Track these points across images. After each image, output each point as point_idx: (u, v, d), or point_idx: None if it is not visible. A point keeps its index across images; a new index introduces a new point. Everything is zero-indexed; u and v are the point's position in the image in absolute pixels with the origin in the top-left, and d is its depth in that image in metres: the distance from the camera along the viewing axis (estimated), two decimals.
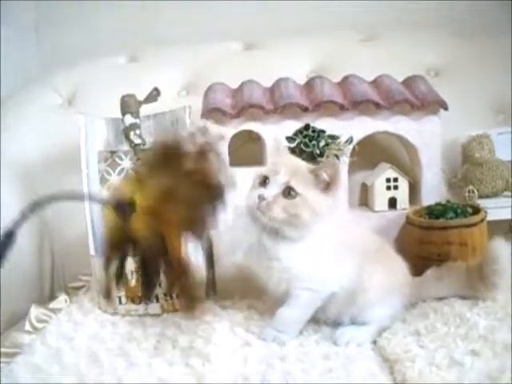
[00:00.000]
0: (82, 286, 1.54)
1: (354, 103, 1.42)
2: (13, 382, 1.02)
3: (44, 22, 2.15)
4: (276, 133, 1.40)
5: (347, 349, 1.09)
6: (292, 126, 1.42)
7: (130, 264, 1.28)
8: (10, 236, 0.84)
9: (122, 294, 1.31)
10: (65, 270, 1.72)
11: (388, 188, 1.50)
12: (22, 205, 1.62)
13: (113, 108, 1.42)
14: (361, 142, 1.45)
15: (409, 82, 1.52)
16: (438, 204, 1.40)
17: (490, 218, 1.37)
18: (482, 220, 1.34)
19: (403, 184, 1.49)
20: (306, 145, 1.39)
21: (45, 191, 1.68)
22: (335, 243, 1.13)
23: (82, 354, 1.11)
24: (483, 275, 1.17)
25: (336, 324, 1.17)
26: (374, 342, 1.13)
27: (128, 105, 1.42)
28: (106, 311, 1.34)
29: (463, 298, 1.20)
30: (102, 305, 1.34)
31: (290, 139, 1.40)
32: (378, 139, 1.57)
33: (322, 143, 1.40)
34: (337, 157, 1.42)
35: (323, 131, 1.41)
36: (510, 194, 1.53)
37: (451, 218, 1.34)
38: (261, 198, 1.08)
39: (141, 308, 1.31)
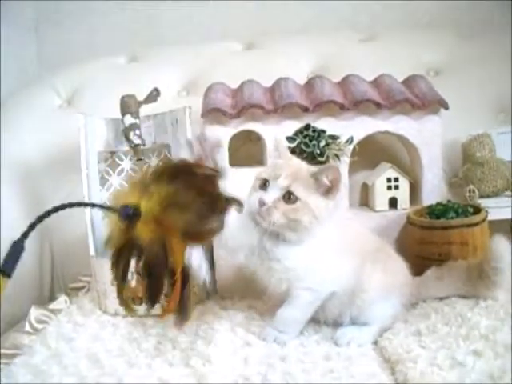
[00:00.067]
0: (82, 287, 1.54)
1: (355, 103, 1.42)
2: (12, 383, 1.02)
3: (44, 22, 2.15)
4: (276, 133, 1.40)
5: (348, 349, 1.09)
6: (292, 125, 1.42)
7: (131, 265, 1.28)
8: (18, 248, 0.84)
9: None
10: (65, 271, 1.72)
11: (389, 188, 1.49)
12: (22, 205, 1.64)
13: (113, 108, 1.42)
14: (361, 142, 1.45)
15: (409, 82, 1.52)
16: (438, 204, 1.40)
17: (490, 217, 1.37)
18: (483, 220, 1.33)
19: (404, 184, 1.49)
20: (307, 145, 1.39)
21: (45, 191, 1.70)
22: (335, 244, 1.12)
23: (82, 355, 1.11)
24: (483, 273, 1.17)
25: (337, 324, 1.17)
26: (376, 343, 1.13)
27: (128, 105, 1.42)
28: (106, 312, 1.33)
29: (464, 297, 1.20)
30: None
31: (290, 139, 1.40)
32: (378, 139, 1.57)
33: (323, 143, 1.40)
34: (337, 157, 1.41)
35: (323, 131, 1.41)
36: (510, 193, 1.53)
37: (452, 218, 1.33)
38: (261, 202, 1.08)
39: (141, 309, 1.30)
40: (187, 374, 1.00)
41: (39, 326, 1.30)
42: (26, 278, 1.57)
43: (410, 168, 1.56)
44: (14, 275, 1.48)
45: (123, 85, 1.58)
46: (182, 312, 1.00)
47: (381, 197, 1.50)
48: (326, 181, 1.08)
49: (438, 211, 1.36)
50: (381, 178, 1.50)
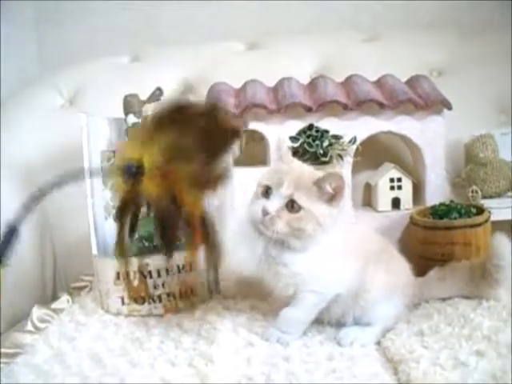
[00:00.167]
0: (85, 287, 1.54)
1: (358, 103, 1.42)
2: (14, 383, 1.02)
3: (44, 21, 2.15)
4: (279, 133, 1.40)
5: (351, 349, 1.09)
6: (295, 125, 1.42)
7: (133, 264, 1.29)
8: (13, 231, 0.83)
9: (125, 294, 1.31)
10: (67, 270, 1.72)
11: (391, 188, 1.49)
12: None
13: (115, 108, 1.42)
14: (364, 142, 1.45)
15: (412, 82, 1.52)
16: (441, 204, 1.40)
17: (493, 218, 1.37)
18: (486, 220, 1.33)
19: (407, 184, 1.49)
20: (310, 145, 1.39)
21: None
22: (340, 247, 1.12)
23: (84, 355, 1.10)
24: (486, 272, 1.17)
25: (340, 324, 1.17)
26: (378, 343, 1.12)
27: (131, 104, 1.42)
28: (108, 311, 1.33)
29: (467, 298, 1.20)
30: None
31: (293, 139, 1.40)
32: (381, 139, 1.57)
33: (326, 143, 1.40)
34: (340, 157, 1.41)
35: (327, 131, 1.41)
36: None
37: (455, 219, 1.33)
38: (264, 211, 1.06)
39: (144, 308, 1.30)
40: (190, 374, 1.00)
41: (41, 326, 1.30)
42: (28, 277, 1.57)
43: (412, 168, 1.56)
44: (15, 275, 1.49)
45: (126, 84, 1.58)
46: (214, 256, 0.99)
47: (384, 197, 1.50)
48: (329, 188, 1.06)
49: (441, 211, 1.36)
50: (384, 178, 1.50)
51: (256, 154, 1.50)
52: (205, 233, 0.94)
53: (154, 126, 0.91)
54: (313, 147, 1.39)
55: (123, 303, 1.32)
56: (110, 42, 2.08)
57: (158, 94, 1.46)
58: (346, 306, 1.14)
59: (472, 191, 1.49)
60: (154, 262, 1.30)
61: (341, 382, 0.96)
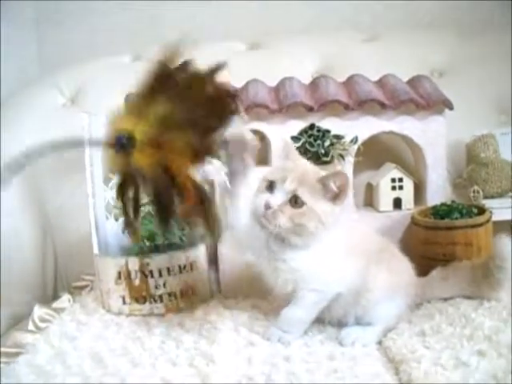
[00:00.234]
0: (86, 286, 1.54)
1: (359, 103, 1.42)
2: (15, 382, 1.02)
3: (44, 21, 2.15)
4: (281, 132, 1.40)
5: (353, 349, 1.09)
6: (297, 125, 1.42)
7: (134, 263, 1.29)
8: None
9: (126, 293, 1.31)
10: (68, 270, 1.72)
11: (393, 188, 1.49)
12: (24, 205, 1.64)
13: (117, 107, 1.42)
14: (366, 142, 1.45)
15: (414, 82, 1.51)
16: (443, 204, 1.39)
17: (495, 218, 1.37)
18: (488, 220, 1.33)
19: (408, 184, 1.49)
20: (311, 144, 1.39)
21: (47, 191, 1.71)
22: (341, 246, 1.11)
23: (85, 354, 1.10)
24: (488, 273, 1.17)
25: (341, 324, 1.17)
26: (380, 343, 1.12)
27: None
28: (109, 311, 1.33)
29: (468, 298, 1.20)
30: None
31: (294, 139, 1.40)
32: (383, 139, 1.57)
33: (327, 143, 1.40)
34: (342, 157, 1.41)
35: (328, 131, 1.41)
36: None
37: (456, 219, 1.33)
38: (267, 205, 1.06)
39: (145, 308, 1.30)
40: (191, 374, 1.00)
41: (42, 325, 1.30)
42: (29, 276, 1.57)
43: (414, 168, 1.56)
44: (16, 274, 1.49)
45: (128, 83, 1.58)
46: (212, 230, 0.98)
47: (385, 197, 1.50)
48: (333, 187, 1.06)
49: (442, 212, 1.36)
50: (385, 178, 1.50)
51: (257, 153, 1.50)
52: (199, 203, 0.92)
53: (145, 97, 0.89)
54: (314, 147, 1.39)
55: (124, 303, 1.32)
56: (111, 42, 2.07)
57: None
58: (347, 305, 1.14)
59: (473, 191, 1.49)
60: (155, 261, 1.30)
61: (342, 382, 0.95)
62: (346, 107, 1.42)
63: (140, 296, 1.31)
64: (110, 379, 1.00)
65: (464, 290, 1.21)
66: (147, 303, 1.31)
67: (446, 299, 1.21)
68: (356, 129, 1.43)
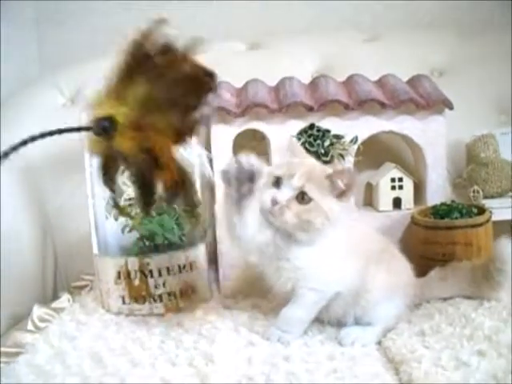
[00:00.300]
0: (85, 286, 1.54)
1: (359, 102, 1.42)
2: (15, 382, 1.02)
3: (45, 21, 2.14)
4: (281, 132, 1.40)
5: (352, 349, 1.09)
6: (297, 125, 1.41)
7: (133, 263, 1.29)
8: None
9: (126, 293, 1.31)
10: (67, 270, 1.72)
11: (393, 188, 1.49)
12: (24, 205, 1.64)
13: None
14: (366, 142, 1.44)
15: (414, 82, 1.51)
16: (443, 204, 1.39)
17: (495, 218, 1.36)
18: (488, 220, 1.33)
19: (408, 184, 1.49)
20: (311, 144, 1.39)
21: (46, 191, 1.70)
22: (342, 244, 1.12)
23: (84, 354, 1.10)
24: (488, 275, 1.17)
25: (341, 324, 1.17)
26: (379, 343, 1.12)
27: None
28: (109, 311, 1.33)
29: (468, 298, 1.20)
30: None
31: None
32: (382, 139, 1.57)
33: (327, 143, 1.40)
34: (342, 156, 1.41)
35: (328, 131, 1.41)
36: None
37: (456, 218, 1.33)
38: (274, 201, 1.06)
39: (144, 308, 1.30)
40: (190, 374, 1.00)
41: (42, 325, 1.30)
42: (29, 276, 1.57)
43: (414, 168, 1.56)
44: (16, 273, 1.49)
45: None
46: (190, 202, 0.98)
47: (385, 197, 1.50)
48: (340, 184, 1.06)
49: (442, 211, 1.36)
50: (385, 177, 1.49)
51: (257, 153, 1.50)
52: (181, 183, 0.92)
53: (123, 79, 0.89)
54: (314, 147, 1.39)
55: (124, 302, 1.32)
56: (111, 42, 2.07)
57: None
58: (346, 305, 1.14)
59: (473, 191, 1.49)
60: (155, 261, 1.30)
61: (341, 382, 0.95)
62: (346, 107, 1.41)
63: (139, 296, 1.31)
64: (109, 379, 1.00)
65: (463, 290, 1.21)
66: (147, 303, 1.31)
67: (445, 299, 1.21)
68: (356, 128, 1.43)
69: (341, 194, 1.07)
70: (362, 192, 1.61)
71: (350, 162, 1.43)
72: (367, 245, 1.17)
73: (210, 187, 1.37)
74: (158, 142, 0.87)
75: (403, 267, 1.20)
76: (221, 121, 1.39)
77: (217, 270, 1.40)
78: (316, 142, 1.39)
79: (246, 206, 1.07)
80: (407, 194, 1.49)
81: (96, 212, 1.38)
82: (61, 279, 1.71)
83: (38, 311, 1.34)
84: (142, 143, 0.87)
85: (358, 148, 1.44)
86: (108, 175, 0.94)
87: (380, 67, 1.61)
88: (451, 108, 1.44)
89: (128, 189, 1.33)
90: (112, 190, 0.97)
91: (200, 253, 1.36)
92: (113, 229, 1.42)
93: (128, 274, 1.30)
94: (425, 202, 1.49)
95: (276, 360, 1.03)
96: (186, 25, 2.02)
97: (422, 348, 1.02)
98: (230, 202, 1.08)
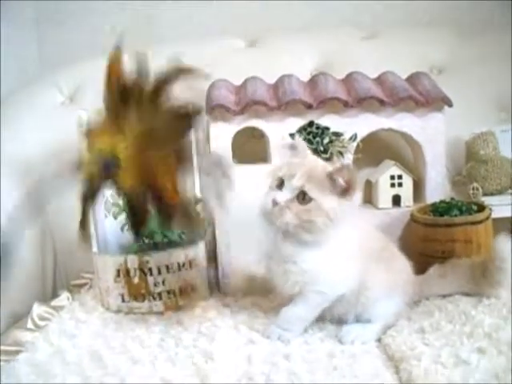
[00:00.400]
0: (85, 284, 1.54)
1: (358, 100, 1.41)
2: (14, 380, 1.02)
3: (45, 21, 2.14)
4: (280, 130, 1.39)
5: (352, 347, 1.09)
6: (296, 122, 1.41)
7: (133, 261, 1.29)
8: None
9: (125, 291, 1.31)
10: (67, 268, 1.71)
11: (392, 185, 1.49)
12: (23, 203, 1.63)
13: None
14: (365, 139, 1.44)
15: (413, 79, 1.51)
16: (442, 201, 1.39)
17: (494, 215, 1.36)
18: (487, 217, 1.33)
19: (407, 181, 1.48)
20: (310, 142, 1.39)
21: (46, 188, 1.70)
22: (347, 245, 1.11)
23: (84, 352, 1.10)
24: (488, 273, 1.17)
25: (341, 322, 1.17)
26: (379, 340, 1.12)
27: None
28: (108, 309, 1.33)
29: (467, 295, 1.20)
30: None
31: (293, 136, 1.40)
32: (382, 136, 1.57)
33: (326, 140, 1.40)
34: (341, 154, 1.41)
35: (327, 128, 1.41)
36: None
37: (456, 216, 1.33)
38: (274, 202, 1.06)
39: (144, 306, 1.30)
40: (190, 372, 1.00)
41: (41, 323, 1.30)
42: (28, 274, 1.57)
43: (413, 165, 1.56)
44: (16, 272, 1.48)
45: None
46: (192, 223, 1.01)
47: (384, 194, 1.49)
48: (341, 181, 1.05)
49: (441, 209, 1.36)
50: (384, 175, 1.49)
51: (256, 151, 1.50)
52: (184, 212, 0.96)
53: (113, 111, 0.91)
54: (313, 144, 1.39)
55: (123, 300, 1.32)
56: (111, 42, 2.07)
57: None
58: (348, 304, 1.14)
59: (473, 188, 1.49)
60: (155, 259, 1.30)
61: (341, 380, 0.95)
62: (345, 104, 1.41)
63: (139, 294, 1.31)
64: (109, 377, 1.00)
65: (462, 287, 1.21)
66: (146, 301, 1.31)
67: (445, 296, 1.21)
68: (355, 126, 1.43)
69: (343, 192, 1.06)
70: (361, 189, 1.61)
71: (349, 159, 1.43)
72: (368, 243, 1.17)
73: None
74: (159, 177, 0.90)
75: (403, 265, 1.20)
76: (220, 118, 1.39)
77: (216, 268, 1.40)
78: (315, 139, 1.39)
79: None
80: (406, 191, 1.49)
81: (95, 210, 1.38)
82: (60, 277, 1.71)
83: (37, 309, 1.34)
84: (142, 180, 0.89)
85: (358, 145, 1.44)
86: (90, 201, 0.97)
87: (379, 65, 1.61)
88: (450, 105, 1.44)
89: None
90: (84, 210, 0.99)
91: (199, 251, 1.36)
92: (112, 227, 1.42)
93: (127, 272, 1.30)
94: (424, 199, 1.48)
95: (276, 358, 1.03)
96: (185, 24, 2.03)
97: (422, 345, 1.02)
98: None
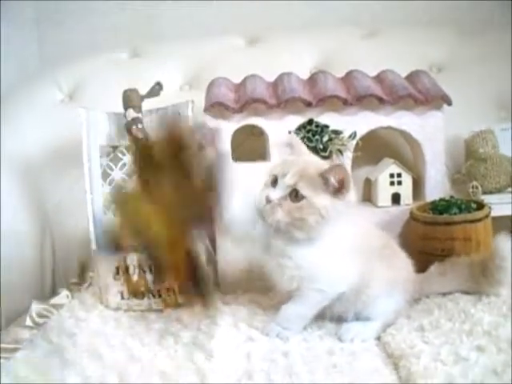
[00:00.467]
0: (84, 282, 1.53)
1: (358, 98, 1.41)
2: (13, 377, 1.02)
3: (45, 21, 2.14)
4: (279, 128, 1.39)
5: (351, 344, 1.09)
6: (295, 120, 1.41)
7: (132, 259, 1.29)
8: None
9: (125, 289, 1.31)
10: (66, 266, 1.71)
11: (391, 183, 1.49)
12: (23, 200, 1.64)
13: (115, 102, 1.42)
14: (364, 137, 1.44)
15: (412, 77, 1.51)
16: (441, 199, 1.39)
17: (493, 213, 1.36)
18: (486, 215, 1.33)
19: (407, 179, 1.48)
20: (310, 140, 1.39)
21: (46, 186, 1.70)
22: (346, 243, 1.11)
23: (83, 350, 1.10)
24: (487, 271, 1.17)
25: (341, 320, 1.17)
26: (379, 338, 1.12)
27: (130, 99, 1.42)
28: (108, 306, 1.33)
29: (467, 293, 1.20)
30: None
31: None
32: (381, 134, 1.57)
33: (326, 138, 1.40)
34: (340, 152, 1.41)
35: (327, 126, 1.41)
36: None
37: (455, 214, 1.33)
38: (267, 199, 1.07)
39: (143, 303, 1.30)
40: (189, 369, 1.00)
41: (40, 321, 1.30)
42: (28, 272, 1.57)
43: (412, 164, 1.56)
44: (15, 270, 1.49)
45: (125, 79, 1.58)
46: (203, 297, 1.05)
47: (384, 192, 1.49)
48: (333, 181, 1.05)
49: (441, 207, 1.36)
50: (384, 173, 1.49)
51: (256, 149, 1.50)
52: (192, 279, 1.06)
53: (147, 177, 0.95)
54: (312, 142, 1.39)
55: (123, 298, 1.32)
56: (110, 42, 2.07)
57: (157, 88, 1.46)
58: (348, 302, 1.14)
59: (472, 186, 1.49)
60: None
61: (341, 377, 0.95)
62: (345, 102, 1.41)
63: (138, 291, 1.31)
64: (108, 375, 1.00)
65: (462, 285, 1.21)
66: (146, 298, 1.31)
67: (444, 294, 1.21)
68: (354, 124, 1.43)
69: (336, 191, 1.06)
70: (360, 188, 1.61)
71: (348, 157, 1.43)
72: (369, 241, 1.17)
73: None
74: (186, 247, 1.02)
75: (403, 263, 1.20)
76: (219, 116, 1.39)
77: (216, 265, 1.40)
78: (315, 137, 1.39)
79: None
80: (406, 189, 1.49)
81: (94, 207, 1.38)
82: (59, 275, 1.71)
83: (36, 307, 1.34)
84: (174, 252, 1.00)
85: (357, 143, 1.44)
86: None
87: (379, 63, 1.61)
88: (450, 104, 1.44)
89: None
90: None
91: (199, 248, 1.35)
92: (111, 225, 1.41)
93: (127, 269, 1.30)
94: (424, 197, 1.48)
95: (275, 355, 1.03)
96: (184, 23, 2.03)
97: (422, 343, 1.02)
98: None
